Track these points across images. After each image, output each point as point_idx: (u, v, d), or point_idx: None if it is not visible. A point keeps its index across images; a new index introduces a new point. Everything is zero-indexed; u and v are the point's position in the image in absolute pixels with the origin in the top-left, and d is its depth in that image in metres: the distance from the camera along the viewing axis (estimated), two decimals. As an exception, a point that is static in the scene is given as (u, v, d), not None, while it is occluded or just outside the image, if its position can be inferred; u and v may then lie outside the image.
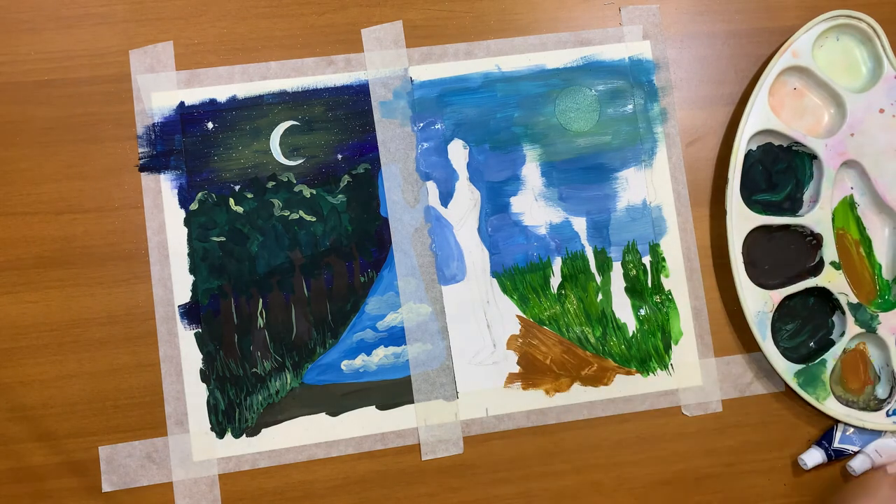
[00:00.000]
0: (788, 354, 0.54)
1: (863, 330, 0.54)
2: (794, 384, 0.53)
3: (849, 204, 0.56)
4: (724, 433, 0.54)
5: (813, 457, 0.53)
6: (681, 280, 0.55)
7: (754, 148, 0.56)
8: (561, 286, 0.54)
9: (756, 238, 0.55)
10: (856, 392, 0.55)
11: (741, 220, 0.54)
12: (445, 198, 0.54)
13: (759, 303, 0.53)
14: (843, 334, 0.54)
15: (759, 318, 0.53)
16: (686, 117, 0.56)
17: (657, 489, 0.53)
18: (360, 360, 0.52)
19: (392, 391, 0.52)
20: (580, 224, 0.55)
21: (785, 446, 0.54)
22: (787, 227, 0.55)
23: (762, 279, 0.54)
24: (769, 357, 0.53)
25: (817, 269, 0.55)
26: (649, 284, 0.55)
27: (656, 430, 0.54)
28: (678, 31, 0.57)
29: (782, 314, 0.55)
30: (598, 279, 0.55)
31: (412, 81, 0.55)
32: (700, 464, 0.54)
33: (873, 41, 0.55)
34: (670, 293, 0.55)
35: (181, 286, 0.52)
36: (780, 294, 0.53)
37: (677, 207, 0.55)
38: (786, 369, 0.53)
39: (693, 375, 0.54)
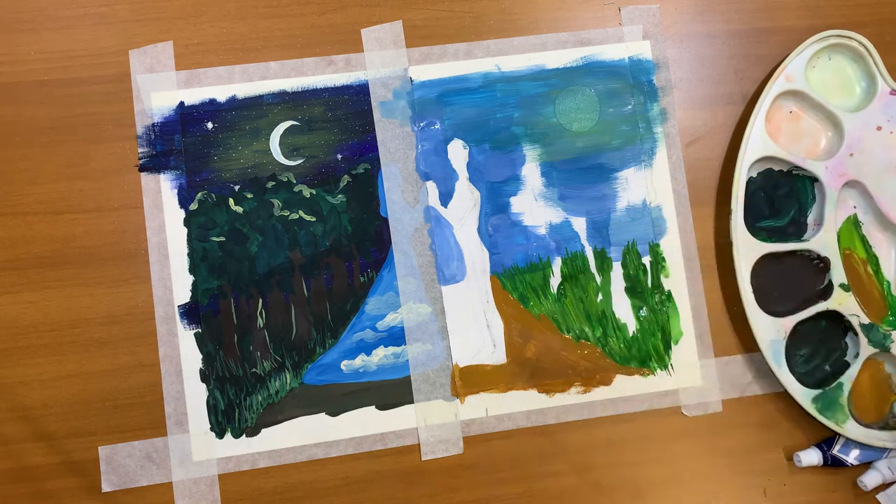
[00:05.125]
0: (804, 379, 0.53)
1: (877, 350, 0.54)
2: (812, 410, 0.52)
3: (853, 223, 0.56)
4: (724, 433, 0.54)
5: (809, 457, 0.52)
6: (681, 280, 0.55)
7: (755, 175, 0.56)
8: (561, 286, 0.54)
9: (763, 265, 0.54)
10: (874, 412, 0.54)
11: (747, 250, 0.53)
12: (445, 198, 0.54)
13: (771, 332, 0.53)
14: (857, 356, 0.54)
15: (773, 347, 0.53)
16: (686, 117, 0.56)
17: (657, 489, 0.53)
18: (359, 361, 0.52)
19: (392, 391, 0.52)
20: (580, 224, 0.55)
21: (785, 446, 0.54)
22: (793, 252, 0.55)
23: (772, 306, 0.54)
24: (785, 384, 0.52)
25: (826, 292, 0.54)
26: (649, 284, 0.55)
27: (656, 430, 0.54)
28: (678, 31, 0.57)
29: (795, 339, 0.54)
30: (598, 279, 0.55)
31: (412, 81, 0.55)
32: (700, 464, 0.54)
33: (865, 59, 0.55)
34: (670, 293, 0.55)
35: (181, 286, 0.52)
36: (791, 321, 0.53)
37: (677, 207, 0.55)
38: (803, 396, 0.52)
39: (693, 375, 0.54)
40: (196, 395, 0.51)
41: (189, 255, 0.52)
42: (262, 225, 0.53)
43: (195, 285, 0.52)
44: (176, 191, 0.53)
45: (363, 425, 0.52)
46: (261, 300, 0.52)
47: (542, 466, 0.53)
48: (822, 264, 0.55)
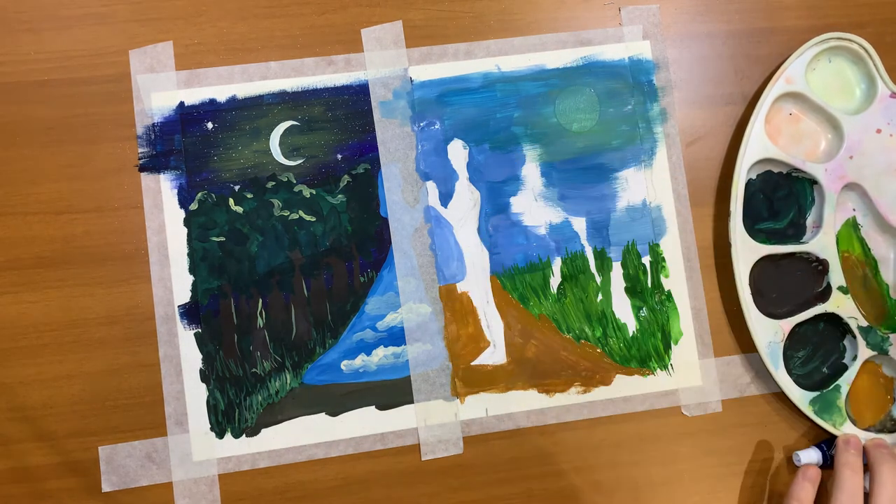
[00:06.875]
0: (802, 382, 0.53)
1: (875, 353, 0.53)
2: (810, 413, 0.52)
3: (852, 225, 0.56)
4: (724, 433, 0.54)
5: (809, 456, 0.52)
6: (681, 280, 0.55)
7: (754, 177, 0.56)
8: (560, 286, 0.54)
9: (762, 267, 0.54)
10: (872, 415, 0.54)
11: (746, 252, 0.53)
12: (445, 198, 0.54)
13: (769, 333, 0.53)
14: (855, 358, 0.53)
15: (770, 349, 0.52)
16: (686, 117, 0.56)
17: (657, 489, 0.53)
18: (359, 361, 0.52)
19: (392, 391, 0.52)
20: (580, 224, 0.55)
21: (784, 446, 0.54)
22: (792, 254, 0.55)
23: (770, 308, 0.53)
24: (783, 386, 0.52)
25: (825, 294, 0.54)
26: (649, 285, 0.55)
27: (656, 430, 0.54)
28: (678, 31, 0.57)
29: (793, 341, 0.54)
30: (598, 279, 0.55)
31: (412, 81, 0.55)
32: (700, 464, 0.54)
33: (865, 61, 0.55)
34: (670, 293, 0.55)
35: (181, 286, 0.52)
36: (789, 323, 0.53)
37: (677, 207, 0.55)
38: (801, 398, 0.52)
39: (693, 375, 0.54)
40: (196, 395, 0.51)
41: (189, 255, 0.52)
42: (262, 225, 0.53)
43: (195, 285, 0.52)
44: (176, 191, 0.53)
45: (363, 425, 0.52)
46: (261, 300, 0.52)
47: (542, 466, 0.53)
48: (821, 266, 0.55)
